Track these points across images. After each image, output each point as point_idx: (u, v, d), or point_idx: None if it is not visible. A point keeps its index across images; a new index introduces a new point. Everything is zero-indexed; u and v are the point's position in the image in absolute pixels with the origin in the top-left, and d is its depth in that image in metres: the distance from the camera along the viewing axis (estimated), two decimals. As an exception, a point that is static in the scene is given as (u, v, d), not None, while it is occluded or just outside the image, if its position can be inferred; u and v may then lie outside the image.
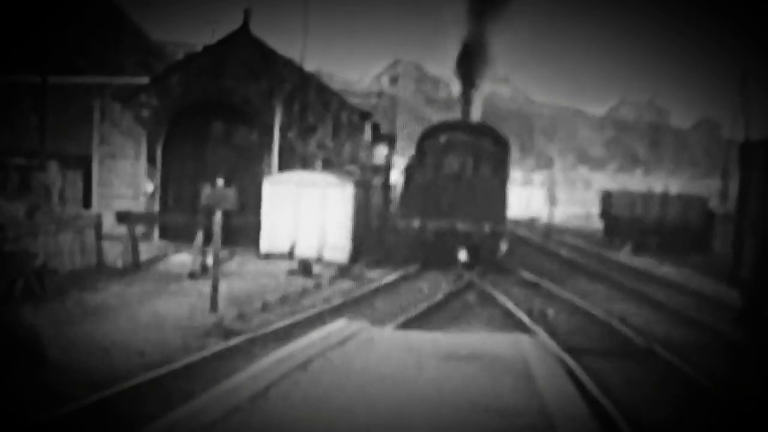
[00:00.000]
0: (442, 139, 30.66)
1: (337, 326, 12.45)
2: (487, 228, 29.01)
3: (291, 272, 24.97)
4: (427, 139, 31.06)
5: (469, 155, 30.16)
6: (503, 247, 29.77)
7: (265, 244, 28.01)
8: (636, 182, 77.39)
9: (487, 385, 9.15)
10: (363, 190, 31.85)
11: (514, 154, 59.47)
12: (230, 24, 33.13)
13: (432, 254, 28.81)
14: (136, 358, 13.51)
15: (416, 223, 29.39)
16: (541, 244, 42.17)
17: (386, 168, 43.20)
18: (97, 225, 23.11)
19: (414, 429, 7.57)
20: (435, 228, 29.14)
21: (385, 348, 11.14)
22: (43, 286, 18.54)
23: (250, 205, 27.34)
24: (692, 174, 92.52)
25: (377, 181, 39.24)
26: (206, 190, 18.92)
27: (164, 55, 38.50)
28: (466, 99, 36.31)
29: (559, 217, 60.25)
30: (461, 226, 28.97)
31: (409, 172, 33.32)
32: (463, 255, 28.28)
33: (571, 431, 7.77)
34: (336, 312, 18.48)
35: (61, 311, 17.10)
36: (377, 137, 38.06)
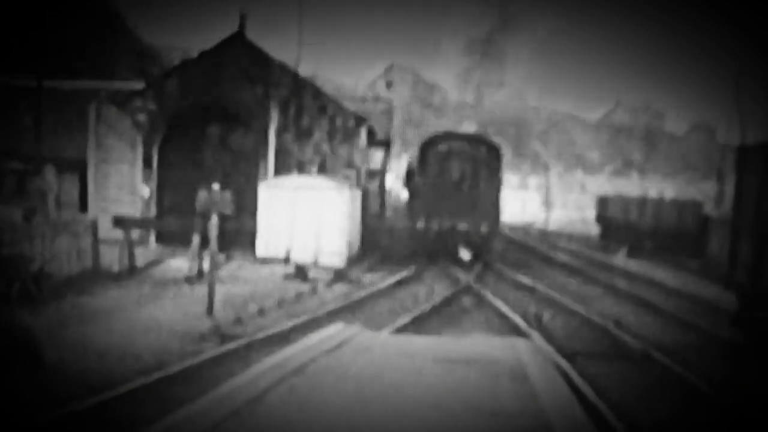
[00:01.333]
0: (442, 147, 33.33)
1: (333, 330, 12.44)
2: (483, 228, 32.02)
3: (287, 277, 25.00)
4: (428, 147, 33.68)
5: (468, 162, 32.99)
6: (497, 245, 32.82)
7: (262, 248, 28.02)
8: (632, 186, 77.43)
9: (483, 389, 9.17)
10: (359, 194, 31.96)
11: (510, 158, 59.85)
12: (226, 28, 33.23)
13: (435, 250, 31.79)
14: (133, 362, 13.52)
15: (421, 224, 32.35)
16: (537, 249, 42.19)
17: (382, 172, 43.31)
18: (93, 229, 23.10)
19: (410, 432, 7.59)
20: (438, 228, 32.09)
21: (382, 352, 11.15)
22: (40, 290, 18.53)
23: (246, 209, 27.34)
24: (688, 177, 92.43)
25: (373, 185, 39.40)
26: (202, 195, 18.93)
27: (159, 58, 38.45)
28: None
29: (555, 222, 60.32)
30: (461, 226, 31.95)
31: (410, 177, 36.28)
32: (465, 254, 31.22)
33: (567, 434, 7.80)
34: (332, 316, 18.50)
35: (57, 315, 17.09)
36: (373, 142, 38.15)
